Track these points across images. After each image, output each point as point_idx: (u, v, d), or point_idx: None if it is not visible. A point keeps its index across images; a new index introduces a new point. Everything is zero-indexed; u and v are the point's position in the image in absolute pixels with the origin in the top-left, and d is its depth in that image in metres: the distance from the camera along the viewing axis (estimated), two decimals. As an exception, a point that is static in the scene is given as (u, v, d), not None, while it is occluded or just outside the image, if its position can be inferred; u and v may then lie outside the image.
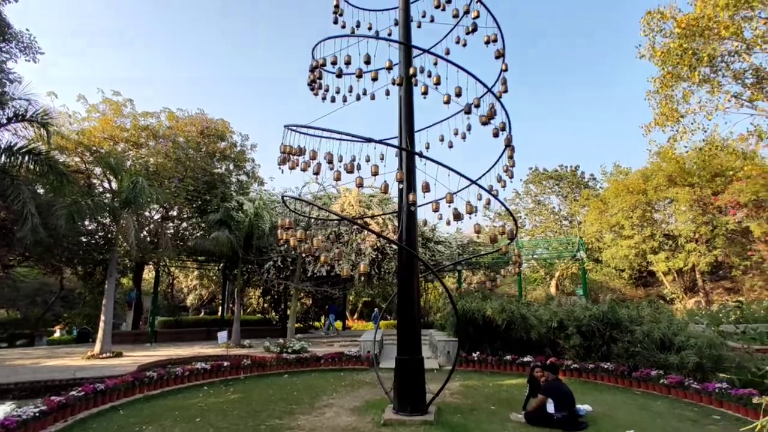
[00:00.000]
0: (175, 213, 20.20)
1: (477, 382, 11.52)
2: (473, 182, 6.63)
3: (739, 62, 15.20)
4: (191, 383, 10.78)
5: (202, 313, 37.29)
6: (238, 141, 23.92)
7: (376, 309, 32.29)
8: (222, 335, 15.04)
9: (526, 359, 12.70)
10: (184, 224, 21.61)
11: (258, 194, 22.95)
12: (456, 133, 10.67)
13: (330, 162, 6.88)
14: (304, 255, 19.59)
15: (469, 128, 10.14)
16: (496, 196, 7.25)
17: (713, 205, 22.38)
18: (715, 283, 26.74)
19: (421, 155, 6.47)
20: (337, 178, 6.63)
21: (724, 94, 14.01)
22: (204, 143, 22.22)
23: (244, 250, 18.67)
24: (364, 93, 10.61)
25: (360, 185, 7.22)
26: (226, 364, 11.79)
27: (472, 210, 6.53)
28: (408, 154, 7.09)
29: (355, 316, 42.04)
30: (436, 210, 6.11)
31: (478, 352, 13.40)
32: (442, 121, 10.59)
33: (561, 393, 7.52)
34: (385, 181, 6.21)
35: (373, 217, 18.15)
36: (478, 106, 7.15)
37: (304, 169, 6.85)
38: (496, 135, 7.51)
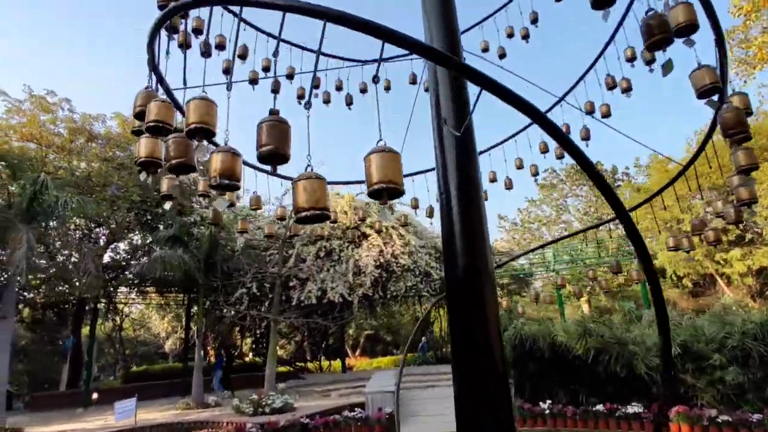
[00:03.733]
0: (113, 228, 15.55)
1: (567, 458, 6.84)
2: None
3: None
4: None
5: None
6: (209, 146, 19.59)
7: (423, 338, 24.81)
8: (124, 407, 8.52)
9: (630, 409, 8.02)
10: (124, 245, 16.91)
11: (231, 211, 18.50)
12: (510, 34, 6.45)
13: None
14: (283, 275, 15.06)
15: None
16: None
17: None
18: (789, 287, 22.18)
19: None
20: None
21: None
22: (160, 147, 17.87)
23: (204, 275, 14.03)
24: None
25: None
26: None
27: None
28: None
29: (357, 353, 36.77)
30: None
31: (549, 401, 8.71)
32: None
33: None
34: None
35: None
36: None
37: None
38: None
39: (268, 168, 2.32)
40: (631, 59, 4.78)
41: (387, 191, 1.94)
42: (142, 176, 2.54)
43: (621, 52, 4.91)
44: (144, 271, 14.00)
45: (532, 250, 17.26)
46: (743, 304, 23.06)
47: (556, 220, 32.08)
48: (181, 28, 4.11)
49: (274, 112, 1.89)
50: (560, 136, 2.38)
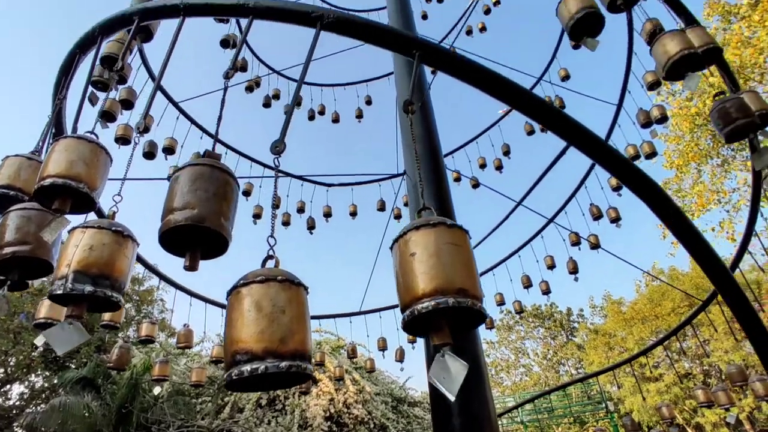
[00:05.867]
0: (11, 366, 12.84)
1: None
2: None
3: None
4: None
5: None
6: (140, 273, 18.01)
7: None
8: None
9: None
10: (21, 388, 13.92)
11: (161, 347, 16.29)
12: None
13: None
14: (215, 429, 12.64)
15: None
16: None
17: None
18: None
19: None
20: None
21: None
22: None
23: (114, 428, 11.47)
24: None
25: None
26: None
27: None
28: None
29: None
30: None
31: None
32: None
33: None
34: None
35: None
36: None
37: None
38: None
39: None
40: (617, 188, 4.55)
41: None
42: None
43: (604, 182, 4.70)
44: (36, 423, 11.28)
45: (533, 399, 15.47)
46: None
47: (516, 364, 30.74)
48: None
49: (210, 155, 1.08)
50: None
